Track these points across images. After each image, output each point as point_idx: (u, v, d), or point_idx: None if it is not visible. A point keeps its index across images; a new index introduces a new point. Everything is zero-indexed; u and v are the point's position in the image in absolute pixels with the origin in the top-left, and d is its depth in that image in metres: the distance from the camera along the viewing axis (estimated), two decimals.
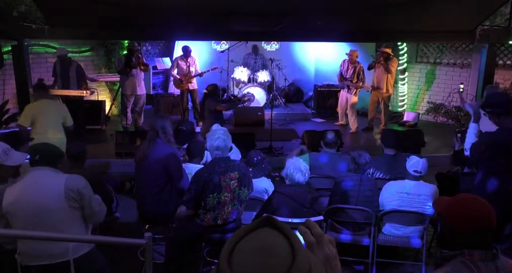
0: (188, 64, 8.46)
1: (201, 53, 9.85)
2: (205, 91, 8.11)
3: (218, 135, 3.46)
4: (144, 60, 8.11)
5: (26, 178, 2.85)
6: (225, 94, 9.95)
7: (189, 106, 8.89)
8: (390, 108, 9.88)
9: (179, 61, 8.49)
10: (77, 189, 2.82)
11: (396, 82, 9.61)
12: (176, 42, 9.95)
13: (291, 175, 3.63)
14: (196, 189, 3.41)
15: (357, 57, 8.42)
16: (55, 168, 2.90)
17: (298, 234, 0.97)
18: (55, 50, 8.58)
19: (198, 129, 7.76)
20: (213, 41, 10.08)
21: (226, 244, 0.92)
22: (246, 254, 0.88)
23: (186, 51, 8.45)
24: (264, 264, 0.86)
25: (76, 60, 8.00)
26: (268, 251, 0.87)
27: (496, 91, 5.65)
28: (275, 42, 10.46)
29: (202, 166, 4.28)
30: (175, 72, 8.51)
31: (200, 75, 8.61)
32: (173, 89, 9.74)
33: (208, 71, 8.76)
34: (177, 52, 9.96)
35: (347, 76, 8.42)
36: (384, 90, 8.33)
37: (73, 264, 2.73)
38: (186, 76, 8.43)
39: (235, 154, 4.66)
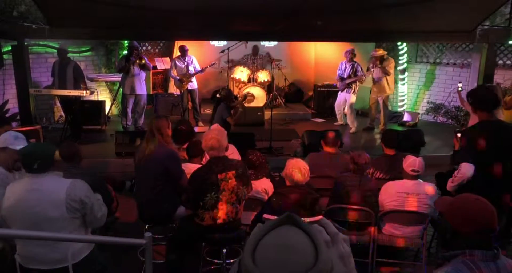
0: (186, 63, 8.43)
1: (200, 51, 9.84)
2: (217, 95, 8.10)
3: (212, 135, 3.47)
4: (144, 58, 8.02)
5: (26, 183, 2.76)
6: None
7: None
8: (390, 108, 9.89)
9: (177, 62, 8.45)
10: (79, 199, 2.73)
11: (396, 82, 9.61)
12: (176, 42, 9.94)
13: (291, 175, 3.63)
14: (194, 189, 3.41)
15: (354, 55, 8.38)
16: (54, 171, 2.80)
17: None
18: (55, 50, 8.58)
19: (197, 129, 7.76)
20: None
21: (249, 240, 0.93)
22: (270, 250, 0.89)
23: (183, 50, 8.41)
24: (288, 261, 0.87)
25: (74, 60, 7.99)
26: (292, 248, 0.89)
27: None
28: None
29: (202, 166, 4.29)
30: (174, 73, 8.47)
31: (202, 71, 8.58)
32: (174, 89, 9.74)
33: (206, 67, 8.70)
34: (177, 52, 9.97)
35: (345, 76, 8.41)
36: (383, 91, 8.32)
37: (73, 268, 2.72)
38: (186, 76, 8.40)
39: (235, 155, 4.66)
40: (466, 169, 3.53)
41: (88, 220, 2.85)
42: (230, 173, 3.44)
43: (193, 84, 8.58)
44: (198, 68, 8.59)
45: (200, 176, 3.42)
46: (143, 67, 7.95)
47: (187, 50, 8.44)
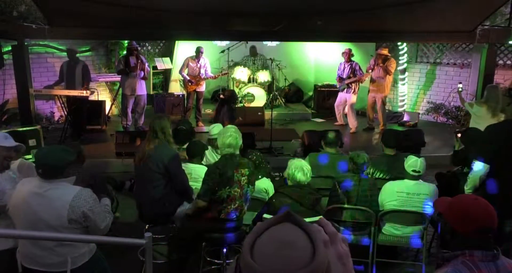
0: (199, 65, 8.42)
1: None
2: (221, 96, 8.10)
3: (230, 133, 3.59)
4: (145, 63, 7.98)
5: (34, 185, 2.72)
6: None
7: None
8: (390, 108, 9.89)
9: (190, 62, 8.41)
10: (82, 212, 2.67)
11: (396, 82, 9.61)
12: (176, 42, 9.94)
13: (293, 175, 3.63)
14: (213, 181, 3.47)
15: (352, 55, 8.42)
16: (62, 179, 2.72)
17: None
18: (55, 50, 8.59)
19: (197, 129, 7.76)
20: None
21: (248, 237, 0.95)
22: (268, 247, 0.91)
23: (198, 52, 8.37)
24: (286, 256, 0.89)
25: (82, 60, 8.00)
26: (290, 245, 0.91)
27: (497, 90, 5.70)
28: None
29: (202, 166, 4.29)
30: (185, 72, 8.45)
31: (214, 77, 8.67)
32: (174, 89, 9.73)
33: (219, 75, 8.79)
34: (177, 52, 9.96)
35: (344, 76, 8.43)
36: (382, 91, 8.32)
37: (73, 272, 2.72)
38: (196, 78, 8.40)
39: None
40: (478, 168, 3.44)
41: (91, 230, 2.82)
42: (243, 170, 3.55)
43: (202, 86, 8.61)
44: (210, 72, 8.61)
45: (218, 169, 3.50)
46: (143, 70, 7.97)
47: (203, 52, 8.43)
